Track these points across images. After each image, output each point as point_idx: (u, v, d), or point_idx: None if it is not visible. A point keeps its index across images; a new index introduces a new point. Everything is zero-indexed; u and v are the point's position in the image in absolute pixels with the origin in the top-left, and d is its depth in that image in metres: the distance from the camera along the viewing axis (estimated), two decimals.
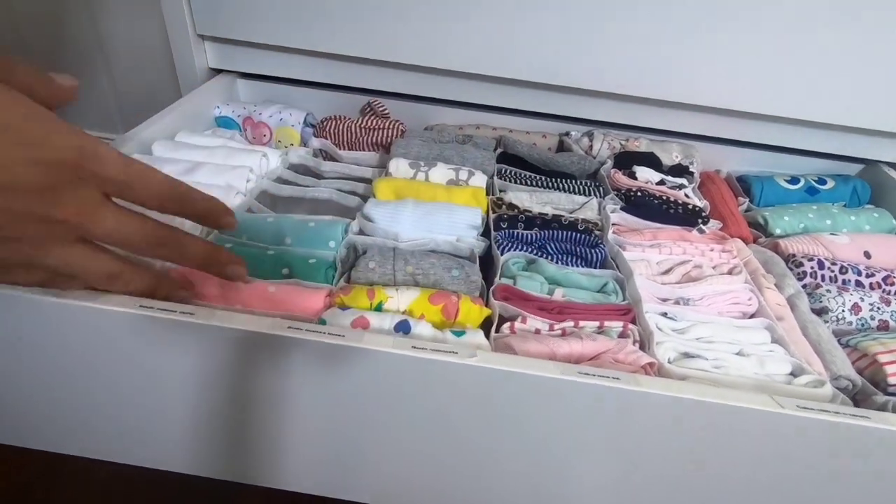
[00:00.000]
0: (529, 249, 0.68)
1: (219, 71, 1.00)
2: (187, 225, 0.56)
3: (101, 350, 0.45)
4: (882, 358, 0.58)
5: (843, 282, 0.70)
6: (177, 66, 0.95)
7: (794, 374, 0.55)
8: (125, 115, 1.23)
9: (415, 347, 0.41)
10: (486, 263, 0.68)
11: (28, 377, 0.48)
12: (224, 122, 0.95)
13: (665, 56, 0.85)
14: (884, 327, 0.65)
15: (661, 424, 0.42)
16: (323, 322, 0.49)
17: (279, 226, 0.64)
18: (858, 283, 0.70)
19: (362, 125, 0.92)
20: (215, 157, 0.75)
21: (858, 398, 0.57)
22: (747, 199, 0.91)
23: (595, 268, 0.68)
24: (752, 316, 0.64)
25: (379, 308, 0.55)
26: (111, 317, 0.42)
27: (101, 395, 0.48)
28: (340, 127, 0.92)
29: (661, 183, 0.84)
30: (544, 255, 0.67)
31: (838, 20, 0.79)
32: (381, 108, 0.97)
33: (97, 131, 1.23)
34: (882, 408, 0.54)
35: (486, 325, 0.57)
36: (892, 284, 0.70)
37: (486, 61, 0.89)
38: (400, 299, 0.55)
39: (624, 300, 0.61)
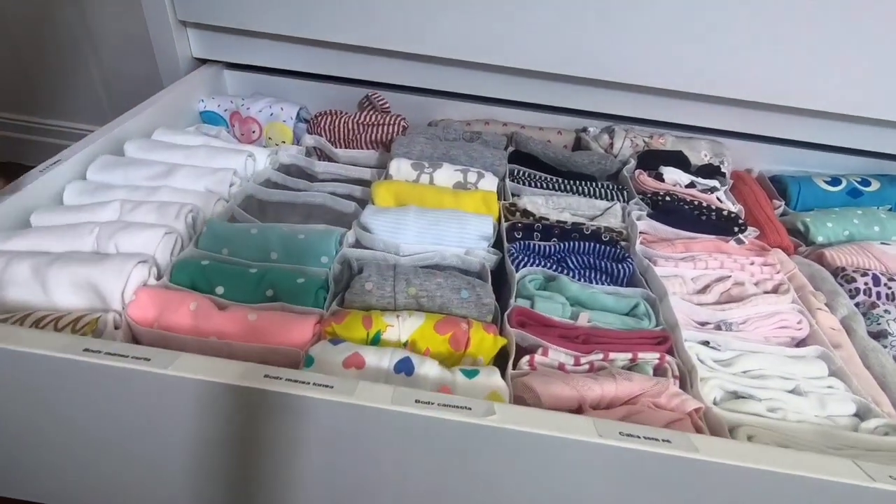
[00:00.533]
0: (548, 263, 0.60)
1: (204, 61, 0.91)
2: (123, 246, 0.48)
3: (43, 395, 0.37)
4: None
5: None
6: (157, 56, 0.87)
7: (859, 416, 0.48)
8: (115, 106, 1.14)
9: (419, 402, 0.34)
10: (498, 278, 0.61)
11: None
12: (209, 118, 0.87)
13: (692, 45, 0.76)
14: None
15: (721, 497, 0.34)
16: (310, 361, 0.42)
17: (264, 238, 0.56)
18: None
19: (360, 121, 0.84)
20: (195, 158, 0.67)
21: None
22: (783, 203, 0.82)
23: (622, 284, 0.60)
24: (802, 342, 0.56)
25: (377, 339, 0.47)
26: (53, 363, 0.34)
27: (54, 435, 0.41)
28: (337, 123, 0.84)
29: (691, 185, 0.76)
30: (564, 271, 0.59)
31: (886, 7, 0.71)
32: (381, 102, 0.89)
33: (86, 123, 1.15)
34: None
35: (500, 356, 0.49)
36: None
37: (496, 50, 0.80)
38: (401, 328, 0.47)
39: (657, 325, 0.53)
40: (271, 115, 0.85)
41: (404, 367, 0.42)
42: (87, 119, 1.16)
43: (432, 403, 0.34)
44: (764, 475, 0.33)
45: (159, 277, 0.50)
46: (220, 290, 0.51)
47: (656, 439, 0.33)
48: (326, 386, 0.34)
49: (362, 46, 0.83)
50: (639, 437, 0.33)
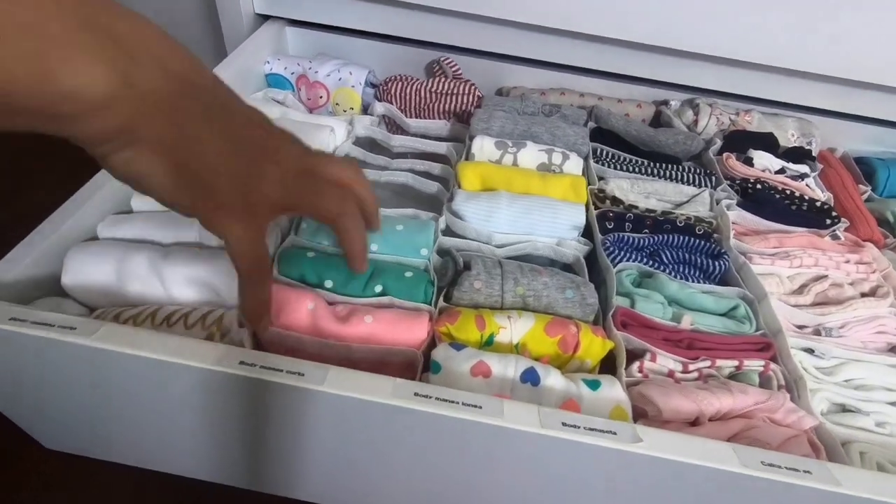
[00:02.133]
0: (641, 256, 0.59)
1: (266, 18, 0.87)
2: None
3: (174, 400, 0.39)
4: None
5: None
6: (219, 11, 0.83)
7: None
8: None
9: (566, 426, 0.35)
10: (589, 268, 0.60)
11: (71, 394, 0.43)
12: (275, 81, 0.84)
13: (777, 17, 0.71)
14: None
15: None
16: (437, 368, 0.43)
17: None
18: None
19: (433, 89, 0.80)
20: None
21: None
22: (869, 188, 0.79)
23: (716, 281, 0.59)
24: None
25: (490, 340, 0.48)
26: (190, 372, 0.36)
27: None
28: (407, 90, 0.81)
29: (781, 171, 0.73)
30: (658, 265, 0.59)
31: None
32: (452, 67, 0.85)
33: None
34: None
35: (606, 357, 0.50)
36: None
37: (572, 14, 0.75)
38: (513, 330, 0.48)
39: (758, 328, 0.53)
40: (339, 79, 0.82)
41: (530, 378, 0.43)
42: None
43: (578, 427, 0.35)
44: None
45: None
46: (329, 283, 0.51)
47: (797, 470, 0.34)
48: (475, 406, 0.35)
49: (431, 7, 0.78)
50: (781, 467, 0.34)
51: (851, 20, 0.70)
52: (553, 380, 0.42)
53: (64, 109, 0.25)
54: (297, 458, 0.43)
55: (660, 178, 0.71)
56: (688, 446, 0.35)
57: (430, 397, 0.35)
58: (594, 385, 0.43)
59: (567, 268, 0.61)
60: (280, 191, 0.36)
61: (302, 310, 0.47)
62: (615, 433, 0.35)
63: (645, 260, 0.59)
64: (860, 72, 0.76)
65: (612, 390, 0.43)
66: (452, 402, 0.35)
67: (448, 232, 0.61)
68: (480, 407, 0.35)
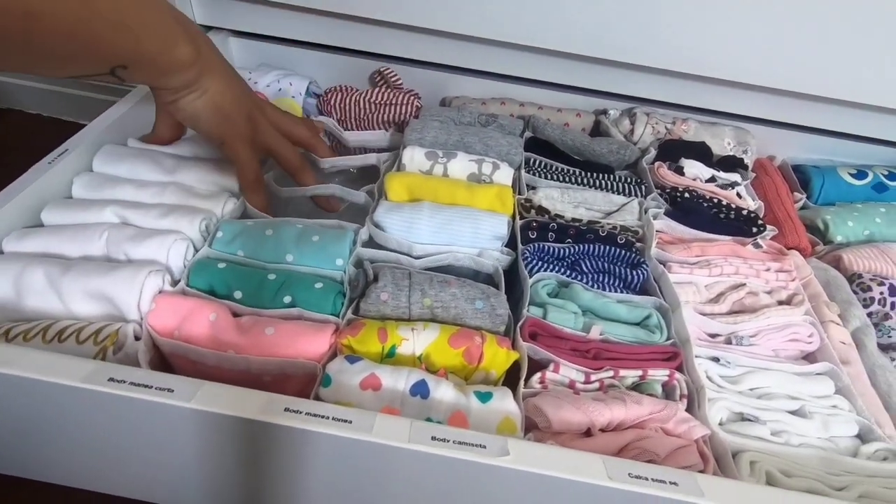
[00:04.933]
0: (561, 267, 0.59)
1: (209, 28, 0.87)
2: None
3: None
4: None
5: None
6: None
7: (861, 437, 0.49)
8: None
9: (435, 440, 0.35)
10: (510, 276, 0.61)
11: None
12: None
13: (719, 29, 0.72)
14: None
15: None
16: (328, 381, 0.43)
17: (280, 239, 0.56)
18: None
19: (372, 99, 0.81)
20: (202, 149, 0.65)
21: None
22: (804, 196, 0.80)
23: (635, 290, 0.60)
24: (811, 355, 0.56)
25: (392, 352, 0.48)
26: (59, 391, 0.35)
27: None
28: (347, 100, 0.81)
29: (712, 180, 0.74)
30: (578, 275, 0.59)
31: None
32: (393, 78, 0.85)
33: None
34: None
35: (513, 367, 0.50)
36: None
37: (513, 27, 0.76)
38: (416, 342, 0.48)
39: (668, 338, 0.54)
40: (279, 90, 0.82)
41: (420, 390, 0.43)
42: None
43: (447, 441, 0.35)
44: None
45: (175, 283, 0.51)
46: (238, 294, 0.51)
47: (664, 482, 0.34)
48: (345, 420, 0.35)
49: (375, 19, 0.79)
50: (647, 479, 0.34)
51: (789, 33, 0.72)
52: (443, 392, 0.42)
53: (171, 68, 0.47)
54: (173, 473, 0.42)
55: (591, 187, 0.72)
56: (556, 459, 0.35)
57: (301, 412, 0.35)
58: (485, 397, 0.43)
59: (489, 278, 0.61)
60: (266, 134, 0.60)
61: (203, 321, 0.47)
62: (484, 447, 0.35)
63: (565, 270, 0.59)
64: (797, 83, 0.77)
65: (504, 402, 0.43)
66: (323, 417, 0.35)
67: (372, 243, 0.61)
68: (350, 422, 0.35)
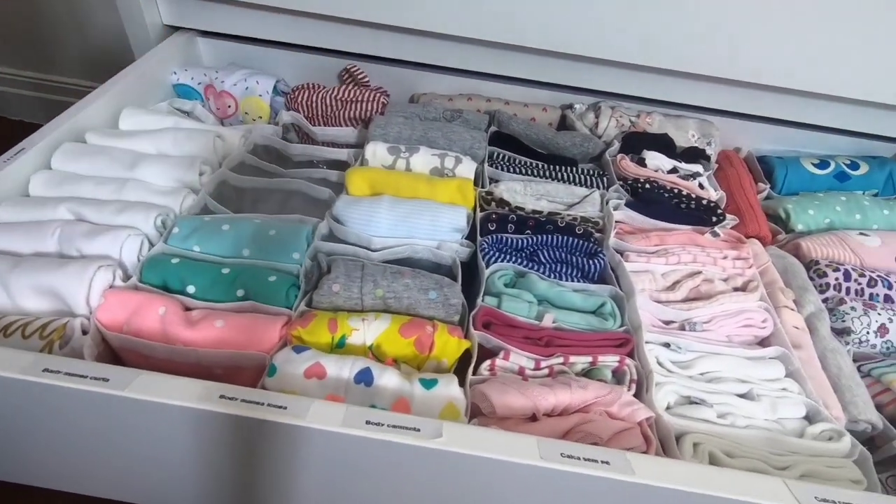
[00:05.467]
0: (519, 258, 0.60)
1: (176, 28, 0.87)
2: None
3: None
4: None
5: (871, 296, 0.63)
6: (125, 24, 0.83)
7: (808, 419, 0.49)
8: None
9: (369, 424, 0.35)
10: (472, 269, 0.61)
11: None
12: (183, 91, 0.84)
13: (682, 22, 0.73)
14: None
15: None
16: (273, 370, 0.43)
17: (237, 234, 0.56)
18: (888, 298, 0.62)
19: (339, 97, 0.81)
20: (163, 143, 0.65)
21: (877, 442, 0.52)
22: (768, 186, 0.81)
23: (593, 280, 0.60)
24: (765, 340, 0.57)
25: (342, 343, 0.48)
26: (15, 385, 0.35)
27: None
28: (315, 98, 0.82)
29: (674, 171, 0.75)
30: (535, 266, 0.59)
31: None
32: (360, 75, 0.86)
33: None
34: None
35: (467, 356, 0.51)
36: None
37: (480, 24, 0.77)
38: (367, 332, 0.48)
39: (622, 325, 0.54)
40: (246, 89, 0.83)
41: (364, 378, 0.43)
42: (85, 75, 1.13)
43: (382, 425, 0.35)
44: (698, 498, 0.34)
45: (127, 279, 0.51)
46: (191, 289, 0.51)
47: (595, 461, 0.35)
48: (280, 407, 0.35)
49: (343, 18, 0.79)
50: (579, 458, 0.35)
51: (753, 26, 0.72)
52: (387, 379, 0.43)
53: None
54: (117, 465, 0.43)
55: (554, 179, 0.72)
56: (489, 441, 0.35)
57: (236, 399, 0.36)
58: (430, 384, 0.43)
59: (451, 270, 0.61)
60: None
61: (153, 315, 0.47)
62: (418, 430, 0.35)
63: (523, 261, 0.60)
64: (761, 75, 0.78)
65: (448, 389, 0.43)
66: (258, 403, 0.36)
67: (331, 237, 0.61)
68: (285, 408, 0.35)
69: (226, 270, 0.53)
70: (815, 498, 0.35)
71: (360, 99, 0.81)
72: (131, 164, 0.61)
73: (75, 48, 1.08)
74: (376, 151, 0.70)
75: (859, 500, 0.35)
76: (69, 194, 0.57)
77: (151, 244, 0.55)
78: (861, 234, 0.71)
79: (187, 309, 0.50)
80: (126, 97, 0.74)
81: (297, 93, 0.82)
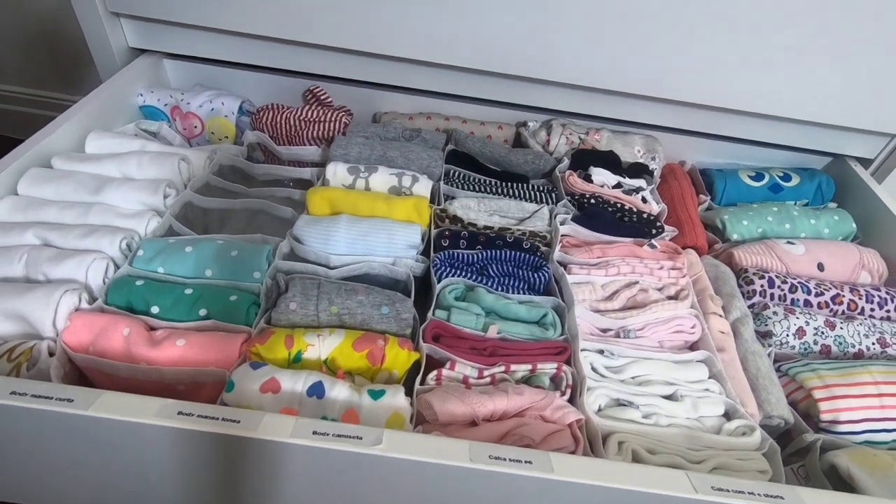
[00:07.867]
0: (470, 272, 0.64)
1: (142, 51, 0.90)
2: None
3: None
4: (817, 394, 0.57)
5: (792, 301, 0.68)
6: (90, 47, 0.85)
7: (727, 416, 0.55)
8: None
9: (316, 434, 0.39)
10: (428, 283, 0.65)
11: None
12: (150, 112, 0.86)
13: (626, 47, 0.78)
14: (826, 352, 0.65)
15: None
16: (231, 386, 0.46)
17: (200, 255, 0.59)
18: (807, 303, 0.68)
19: (302, 117, 0.85)
20: (127, 166, 0.68)
21: (793, 435, 0.57)
22: (709, 198, 0.87)
23: (539, 292, 0.65)
24: (694, 345, 0.62)
25: (298, 358, 0.51)
26: None
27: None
28: (278, 118, 0.85)
29: (618, 186, 0.80)
30: (485, 280, 0.64)
31: (804, 14, 0.73)
32: (323, 96, 0.89)
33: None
34: (810, 447, 0.54)
35: (418, 366, 0.54)
36: (839, 304, 0.68)
37: (435, 48, 0.81)
38: (322, 347, 0.52)
39: (562, 334, 0.59)
40: (212, 109, 0.85)
41: (316, 391, 0.46)
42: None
43: (327, 434, 0.39)
44: (609, 491, 0.39)
45: (93, 301, 0.53)
46: (155, 309, 0.54)
47: (520, 461, 0.39)
48: (234, 421, 0.39)
49: (306, 42, 0.83)
50: (505, 459, 0.39)
51: (695, 52, 0.78)
52: (338, 392, 0.46)
53: None
54: (82, 480, 0.45)
55: (506, 196, 0.77)
56: (424, 446, 0.39)
57: (193, 415, 0.39)
58: (378, 395, 0.47)
59: (406, 285, 0.65)
60: None
61: (117, 336, 0.50)
62: (360, 438, 0.39)
63: (474, 275, 0.64)
64: (699, 95, 0.84)
65: (394, 399, 0.47)
66: (214, 418, 0.39)
67: (292, 256, 0.65)
68: (238, 421, 0.39)
69: (189, 291, 0.56)
70: (712, 488, 0.39)
71: (322, 119, 0.85)
72: (97, 189, 0.64)
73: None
74: (336, 171, 0.74)
75: (748, 488, 0.39)
76: (35, 219, 0.60)
77: (117, 267, 0.58)
78: (788, 242, 0.76)
79: (151, 329, 0.53)
80: (93, 119, 0.76)
81: (261, 113, 0.85)
